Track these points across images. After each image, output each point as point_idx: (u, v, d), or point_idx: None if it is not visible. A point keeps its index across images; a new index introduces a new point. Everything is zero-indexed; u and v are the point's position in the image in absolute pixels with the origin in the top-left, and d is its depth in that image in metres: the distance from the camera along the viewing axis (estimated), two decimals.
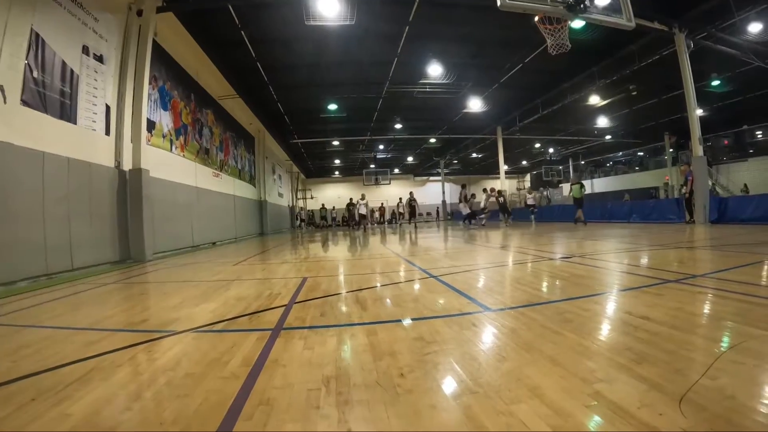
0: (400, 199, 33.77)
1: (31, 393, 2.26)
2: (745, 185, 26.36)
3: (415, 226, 25.75)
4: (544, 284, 5.14)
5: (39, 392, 2.26)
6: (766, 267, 5.41)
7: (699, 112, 15.28)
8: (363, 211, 25.28)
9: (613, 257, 7.11)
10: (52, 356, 2.90)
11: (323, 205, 44.65)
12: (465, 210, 21.90)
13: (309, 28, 12.93)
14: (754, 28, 14.31)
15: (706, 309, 3.51)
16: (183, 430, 1.80)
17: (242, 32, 13.58)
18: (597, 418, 1.74)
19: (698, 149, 14.38)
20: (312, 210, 46.28)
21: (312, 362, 2.61)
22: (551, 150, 42.04)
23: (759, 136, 28.11)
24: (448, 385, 2.19)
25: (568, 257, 7.33)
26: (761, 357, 2.30)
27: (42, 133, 7.68)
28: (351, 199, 29.75)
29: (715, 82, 20.23)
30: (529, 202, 23.73)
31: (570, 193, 19.61)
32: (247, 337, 3.21)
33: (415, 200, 25.55)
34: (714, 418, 1.65)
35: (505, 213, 22.39)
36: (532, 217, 22.65)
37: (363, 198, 25.66)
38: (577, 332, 2.93)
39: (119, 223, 9.86)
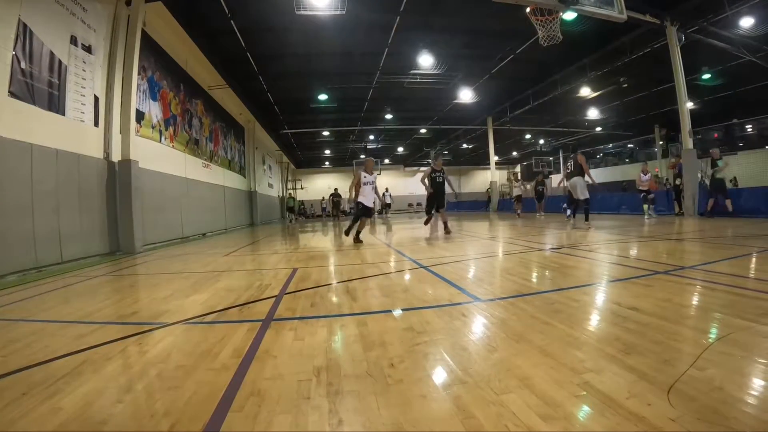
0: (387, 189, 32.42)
1: (22, 387, 2.25)
2: (735, 178, 26.51)
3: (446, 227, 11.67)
4: (534, 275, 5.17)
5: (30, 387, 2.26)
6: (753, 259, 5.47)
7: (689, 105, 15.34)
8: (371, 199, 10.47)
9: (603, 248, 7.16)
10: (42, 350, 2.89)
11: (290, 194, 37.65)
12: (583, 194, 11.88)
13: (299, 18, 12.81)
14: (746, 22, 14.35)
15: (695, 300, 3.54)
16: (174, 422, 1.80)
17: (232, 21, 13.43)
18: (586, 408, 1.76)
19: (688, 142, 14.46)
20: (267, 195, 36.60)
21: (302, 353, 2.62)
22: (542, 141, 42.07)
23: (749, 129, 28.25)
24: (439, 376, 2.21)
25: (558, 248, 7.36)
26: (749, 348, 2.33)
27: (30, 124, 7.59)
28: (336, 189, 28.14)
29: (706, 76, 20.27)
30: (643, 187, 15.57)
31: (708, 173, 14.05)
32: (238, 329, 3.21)
33: (443, 173, 11.88)
34: (702, 409, 1.68)
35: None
36: (646, 207, 15.44)
37: (370, 169, 10.57)
38: (567, 323, 2.96)
39: (109, 215, 9.79)
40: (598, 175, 39.47)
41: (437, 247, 8.53)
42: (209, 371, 2.38)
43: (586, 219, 11.63)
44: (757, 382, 1.93)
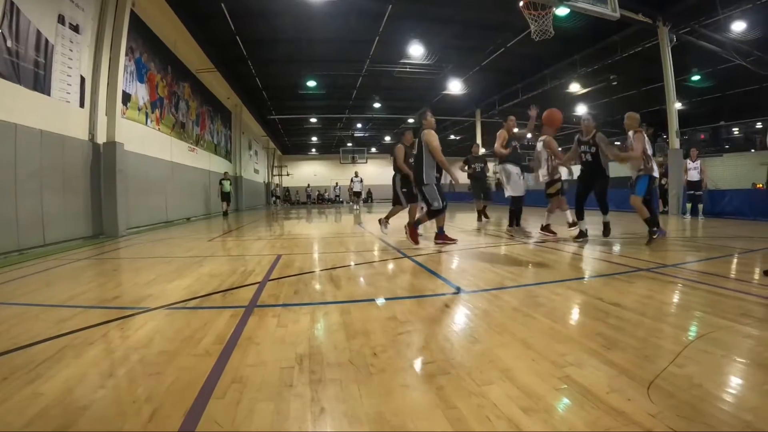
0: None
1: (3, 372, 2.22)
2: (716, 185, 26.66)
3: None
4: (516, 268, 5.20)
5: (10, 371, 2.23)
6: (735, 260, 5.54)
7: (678, 105, 15.44)
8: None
9: (586, 244, 7.20)
10: (23, 334, 2.85)
11: (226, 174, 21.07)
12: (513, 189, 8.76)
13: (291, 3, 12.72)
14: (738, 26, 14.43)
15: (676, 298, 3.59)
16: (156, 407, 1.79)
17: (222, 4, 13.28)
18: (566, 401, 1.78)
19: (675, 142, 14.55)
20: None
21: (285, 340, 2.62)
22: (529, 135, 42.08)
23: (735, 132, 28.53)
24: (421, 366, 2.22)
25: (542, 242, 7.40)
26: (728, 347, 2.37)
27: (15, 104, 7.43)
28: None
29: (696, 77, 20.39)
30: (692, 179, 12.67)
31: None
32: (221, 315, 3.20)
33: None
34: (681, 405, 1.70)
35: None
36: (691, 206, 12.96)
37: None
38: (549, 316, 2.98)
39: (92, 198, 9.66)
40: None
41: (423, 238, 8.54)
42: (191, 357, 2.37)
43: (510, 224, 8.85)
44: (735, 381, 1.97)
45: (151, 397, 1.88)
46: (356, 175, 24.62)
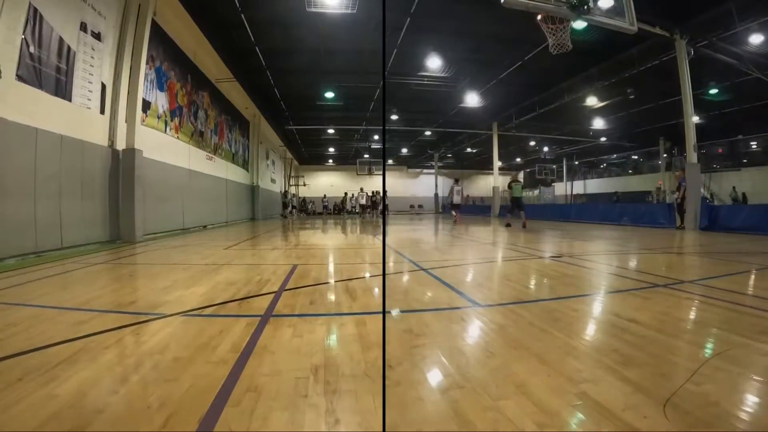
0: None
1: (18, 373, 2.25)
2: (740, 192, 26.23)
3: None
4: (533, 282, 5.16)
5: (26, 372, 2.25)
6: (753, 276, 5.46)
7: (695, 119, 15.32)
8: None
9: (603, 259, 7.14)
10: (39, 335, 2.89)
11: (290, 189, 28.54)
12: None
13: (310, 14, 12.83)
14: (756, 39, 14.36)
15: (693, 315, 3.54)
16: (170, 414, 1.80)
17: (242, 15, 13.43)
18: (582, 418, 1.76)
19: (693, 156, 14.42)
20: None
21: (301, 350, 2.62)
22: (546, 148, 42.02)
23: (754, 146, 28.26)
24: (436, 379, 2.20)
25: (559, 257, 7.35)
26: (746, 365, 2.33)
27: (36, 109, 7.60)
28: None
29: (713, 91, 20.28)
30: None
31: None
32: (237, 323, 3.21)
33: None
34: (697, 423, 1.67)
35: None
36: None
37: None
38: (565, 332, 2.96)
39: (110, 203, 9.80)
40: (600, 185, 39.48)
41: (438, 250, 8.52)
42: (207, 364, 2.38)
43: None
44: (752, 399, 1.94)
45: (166, 403, 1.89)
46: (361, 190, 23.50)
